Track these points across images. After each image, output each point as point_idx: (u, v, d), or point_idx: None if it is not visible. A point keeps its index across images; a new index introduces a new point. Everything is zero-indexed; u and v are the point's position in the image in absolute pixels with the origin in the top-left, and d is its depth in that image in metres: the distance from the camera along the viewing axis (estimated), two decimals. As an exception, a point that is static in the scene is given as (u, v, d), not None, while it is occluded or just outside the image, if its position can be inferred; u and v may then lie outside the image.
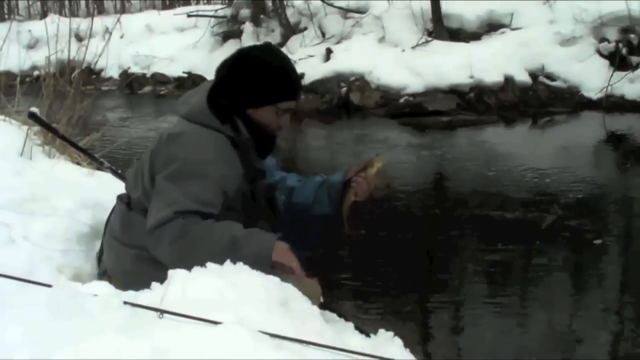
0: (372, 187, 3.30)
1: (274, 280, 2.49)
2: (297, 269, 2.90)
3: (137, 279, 2.65)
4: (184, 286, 2.32)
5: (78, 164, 5.03)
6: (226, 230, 2.83)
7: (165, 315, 2.09)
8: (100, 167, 4.34)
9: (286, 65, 3.19)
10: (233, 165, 3.00)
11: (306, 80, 16.09)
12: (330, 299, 3.90)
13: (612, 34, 14.93)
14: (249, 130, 3.09)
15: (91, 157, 4.44)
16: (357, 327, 3.46)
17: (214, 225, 2.83)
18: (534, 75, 14.79)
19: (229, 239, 2.80)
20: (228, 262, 2.55)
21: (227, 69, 3.16)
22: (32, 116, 4.47)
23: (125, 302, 2.15)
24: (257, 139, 3.11)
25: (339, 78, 15.73)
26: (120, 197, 3.30)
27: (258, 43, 14.11)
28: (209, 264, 2.50)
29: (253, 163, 3.10)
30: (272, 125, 3.16)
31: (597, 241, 6.43)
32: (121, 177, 4.07)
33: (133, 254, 3.03)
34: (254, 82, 3.09)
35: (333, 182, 3.41)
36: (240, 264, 2.54)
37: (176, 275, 2.39)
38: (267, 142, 3.18)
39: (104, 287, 2.43)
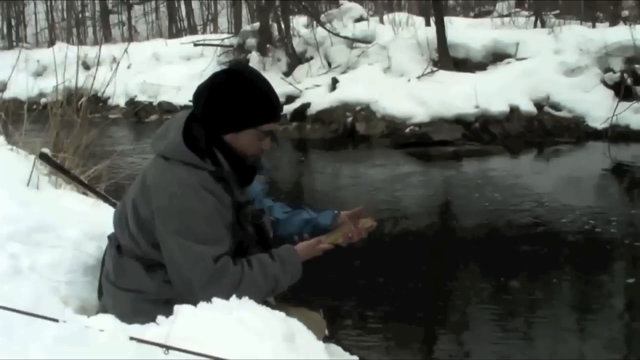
0: (357, 239, 3.24)
1: (279, 315, 2.49)
2: (322, 249, 3.11)
3: (137, 319, 2.64)
4: (190, 322, 2.31)
5: (84, 193, 5.02)
6: (264, 270, 2.91)
7: (171, 351, 2.08)
8: (114, 207, 4.32)
9: (265, 87, 3.07)
10: (221, 199, 2.93)
11: (312, 110, 16.18)
12: (335, 331, 3.90)
13: (617, 63, 14.97)
14: (228, 161, 2.99)
15: (104, 198, 4.44)
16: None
17: (254, 270, 2.89)
18: (539, 105, 14.83)
19: (272, 280, 2.92)
20: (234, 297, 2.56)
21: (204, 96, 3.04)
22: (44, 157, 4.48)
23: (131, 338, 2.14)
24: (237, 170, 3.02)
25: (345, 107, 15.79)
26: (110, 239, 3.26)
27: (264, 72, 14.07)
28: (215, 300, 2.50)
29: (235, 195, 3.00)
30: (253, 149, 3.06)
31: (602, 272, 6.42)
32: None
33: (130, 297, 3.00)
34: (233, 106, 2.99)
35: (321, 223, 3.33)
36: (245, 299, 2.54)
37: (182, 310, 2.39)
38: (247, 172, 3.08)
39: (110, 321, 2.42)
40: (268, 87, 3.08)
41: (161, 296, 2.90)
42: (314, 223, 3.35)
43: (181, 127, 3.01)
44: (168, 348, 2.09)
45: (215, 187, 2.92)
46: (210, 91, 3.04)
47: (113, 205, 4.26)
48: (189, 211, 2.85)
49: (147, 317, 2.59)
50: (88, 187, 4.63)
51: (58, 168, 4.67)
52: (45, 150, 4.56)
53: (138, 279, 2.99)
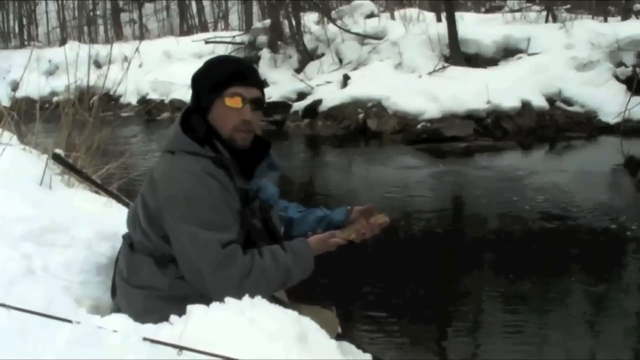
0: (370, 235, 3.24)
1: (291, 314, 2.49)
2: (335, 243, 3.08)
3: (150, 317, 2.65)
4: (203, 322, 2.32)
5: (97, 193, 5.03)
6: (276, 261, 2.89)
7: (184, 351, 2.09)
8: (127, 206, 4.33)
9: (227, 58, 3.17)
10: (225, 184, 2.93)
11: (324, 107, 16.18)
12: (348, 329, 3.89)
13: (629, 58, 14.93)
14: (227, 149, 3.00)
15: (117, 198, 4.45)
16: (375, 358, 3.46)
17: (265, 259, 2.87)
18: (551, 100, 14.80)
19: (284, 271, 2.89)
20: (246, 297, 2.56)
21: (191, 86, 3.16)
22: (57, 158, 4.49)
23: (144, 339, 2.15)
24: (238, 159, 3.02)
25: (356, 104, 15.78)
26: (124, 237, 3.27)
27: (275, 69, 14.07)
28: (227, 299, 2.51)
29: (237, 183, 3.00)
30: (231, 122, 3.00)
31: (616, 268, 6.40)
32: None
33: (143, 294, 3.01)
34: (201, 82, 3.08)
35: (334, 219, 3.35)
36: (258, 298, 2.55)
37: (195, 310, 2.39)
38: (246, 160, 3.06)
39: (124, 322, 2.43)
40: (233, 58, 3.19)
41: (173, 292, 2.90)
42: (328, 220, 3.36)
43: (179, 119, 3.08)
44: (181, 349, 2.10)
45: (218, 172, 2.92)
46: (192, 79, 3.13)
47: (126, 205, 4.27)
48: (194, 199, 2.86)
49: (159, 314, 2.60)
50: (101, 187, 4.63)
51: (71, 168, 4.68)
52: (59, 151, 4.57)
53: (150, 276, 2.99)
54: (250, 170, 3.07)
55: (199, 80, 3.09)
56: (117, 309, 3.13)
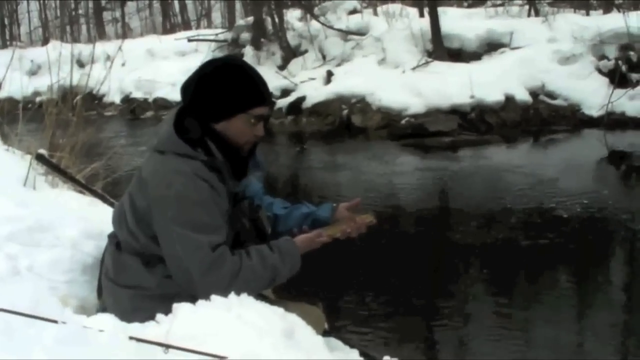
0: (356, 234, 3.25)
1: (278, 311, 2.50)
2: (322, 242, 3.12)
3: (137, 316, 2.65)
4: (190, 320, 2.32)
5: (82, 192, 5.02)
6: (263, 261, 2.92)
7: (171, 350, 2.09)
8: (112, 207, 4.31)
9: (252, 72, 3.10)
10: (216, 188, 2.94)
11: (308, 103, 16.18)
12: (335, 325, 3.90)
13: (612, 51, 15.00)
14: (222, 152, 3.00)
15: (102, 198, 4.44)
16: (362, 353, 3.47)
17: (253, 260, 2.90)
18: (534, 93, 14.86)
19: (271, 270, 2.92)
20: (232, 294, 2.56)
21: (192, 87, 3.07)
22: (40, 158, 4.48)
23: (130, 338, 2.15)
24: (231, 161, 3.03)
25: (341, 100, 15.79)
26: (110, 237, 3.27)
27: (259, 66, 14.04)
28: (214, 297, 2.51)
29: (230, 186, 3.03)
30: (246, 136, 3.05)
31: (601, 259, 6.43)
32: None
33: (130, 294, 3.01)
34: (223, 92, 3.02)
35: (320, 216, 3.34)
36: (244, 296, 2.55)
37: (182, 308, 2.39)
38: (240, 164, 3.08)
39: (110, 321, 2.43)
40: (255, 72, 3.10)
41: (161, 291, 2.91)
42: (313, 216, 3.35)
43: (172, 120, 3.04)
44: (168, 347, 2.10)
45: (209, 175, 2.93)
46: (200, 81, 3.06)
47: (111, 204, 4.26)
48: (185, 200, 2.87)
49: (146, 313, 2.60)
50: (85, 187, 4.63)
51: (55, 169, 4.68)
52: (42, 151, 4.56)
53: (137, 275, 3.00)
54: (243, 171, 3.09)
55: (215, 88, 3.03)
56: (103, 309, 3.13)
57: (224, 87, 3.01)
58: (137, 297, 2.97)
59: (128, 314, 2.76)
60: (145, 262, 3.01)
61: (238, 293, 2.64)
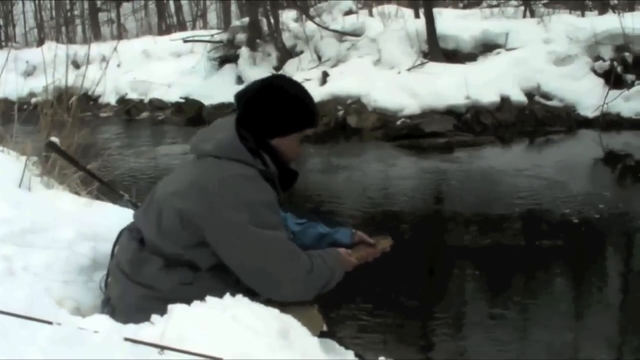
0: (372, 258, 3.51)
1: (273, 312, 2.50)
2: (353, 264, 3.37)
3: (140, 315, 2.65)
4: (185, 321, 2.32)
5: (77, 193, 5.01)
6: (325, 263, 3.14)
7: (166, 351, 2.09)
8: (119, 200, 4.31)
9: (308, 94, 3.33)
10: (273, 195, 3.10)
11: (303, 104, 16.11)
12: (331, 326, 3.90)
13: (607, 52, 15.00)
14: (274, 164, 3.18)
15: (111, 189, 4.43)
16: (357, 355, 3.48)
17: (317, 260, 3.11)
18: (530, 94, 14.86)
19: (330, 273, 3.15)
20: (228, 295, 2.57)
21: (253, 100, 3.22)
22: (52, 146, 4.48)
23: (126, 339, 2.15)
24: (281, 173, 3.21)
25: (336, 101, 15.77)
26: (130, 230, 3.29)
27: (254, 67, 14.02)
28: (208, 298, 2.51)
29: (279, 196, 3.18)
30: (294, 153, 3.30)
31: (597, 260, 6.44)
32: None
33: (140, 292, 3.02)
34: (284, 112, 3.20)
35: (339, 241, 3.52)
36: (239, 296, 2.55)
37: (176, 309, 2.39)
38: (289, 175, 3.28)
39: (105, 322, 2.43)
40: (309, 94, 3.34)
41: (172, 296, 2.89)
42: (331, 239, 3.54)
43: (232, 128, 3.16)
44: (163, 348, 2.10)
45: (267, 185, 3.09)
46: (260, 98, 3.22)
47: (120, 197, 4.24)
48: (256, 202, 3.00)
49: (150, 315, 2.59)
50: (95, 177, 4.60)
51: (66, 157, 4.66)
52: (54, 139, 4.55)
53: (154, 276, 3.02)
54: (290, 183, 3.32)
55: (276, 107, 3.20)
56: (107, 300, 3.15)
57: (283, 107, 3.21)
58: (146, 298, 2.98)
59: (131, 311, 2.79)
60: (167, 265, 3.04)
61: (311, 289, 3.01)
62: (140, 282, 3.04)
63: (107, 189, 4.49)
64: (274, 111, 3.19)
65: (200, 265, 3.00)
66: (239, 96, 3.27)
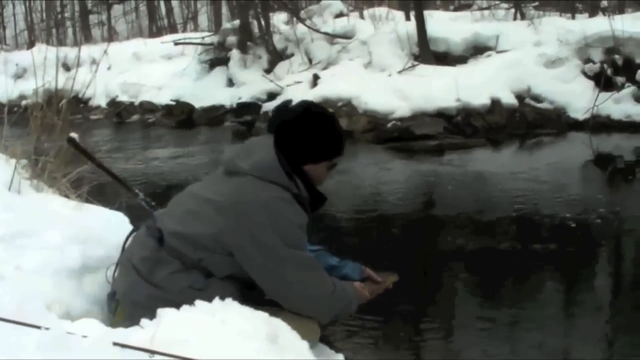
0: (376, 294, 3.79)
1: (262, 316, 2.50)
2: (370, 296, 3.71)
3: (145, 313, 2.66)
4: (174, 325, 2.32)
5: (67, 196, 5.01)
6: (344, 291, 3.39)
7: (156, 355, 2.08)
8: (135, 198, 4.30)
9: (338, 125, 3.58)
10: (306, 218, 3.30)
11: (294, 106, 16.10)
12: (323, 330, 3.89)
13: (597, 54, 15.03)
14: (306, 188, 3.35)
15: (126, 187, 4.44)
16: (347, 359, 3.48)
17: (338, 285, 3.36)
18: (520, 97, 14.88)
19: (347, 302, 3.40)
20: (217, 299, 2.57)
21: (292, 125, 3.40)
22: (71, 141, 4.48)
23: (114, 343, 2.14)
24: (312, 197, 3.39)
25: (327, 103, 15.69)
26: (148, 228, 3.34)
27: (245, 69, 13.97)
28: (198, 302, 2.51)
29: (309, 220, 3.35)
30: (322, 179, 3.52)
31: (587, 262, 6.44)
32: (154, 209, 4.00)
33: (150, 291, 3.07)
34: (319, 141, 3.42)
35: (349, 276, 3.76)
36: (228, 300, 2.55)
37: (166, 313, 2.39)
38: (318, 199, 3.46)
39: (94, 326, 2.42)
40: (340, 125, 3.61)
41: (180, 300, 2.89)
42: (342, 274, 3.75)
43: (272, 150, 3.33)
44: (153, 353, 2.09)
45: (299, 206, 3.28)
46: (300, 125, 3.42)
47: (136, 196, 4.22)
48: (292, 224, 3.19)
49: (153, 315, 2.60)
50: (111, 174, 4.59)
51: (85, 154, 4.66)
52: (73, 134, 4.56)
53: (165, 275, 3.10)
54: (318, 205, 3.50)
55: (311, 137, 3.42)
56: (112, 294, 3.26)
57: (320, 136, 3.43)
58: (155, 298, 3.02)
59: (137, 307, 2.88)
60: (182, 269, 3.12)
61: (330, 311, 3.29)
62: (151, 282, 3.10)
63: (122, 188, 4.49)
64: (311, 139, 3.39)
65: (215, 273, 3.12)
66: (274, 117, 3.52)
